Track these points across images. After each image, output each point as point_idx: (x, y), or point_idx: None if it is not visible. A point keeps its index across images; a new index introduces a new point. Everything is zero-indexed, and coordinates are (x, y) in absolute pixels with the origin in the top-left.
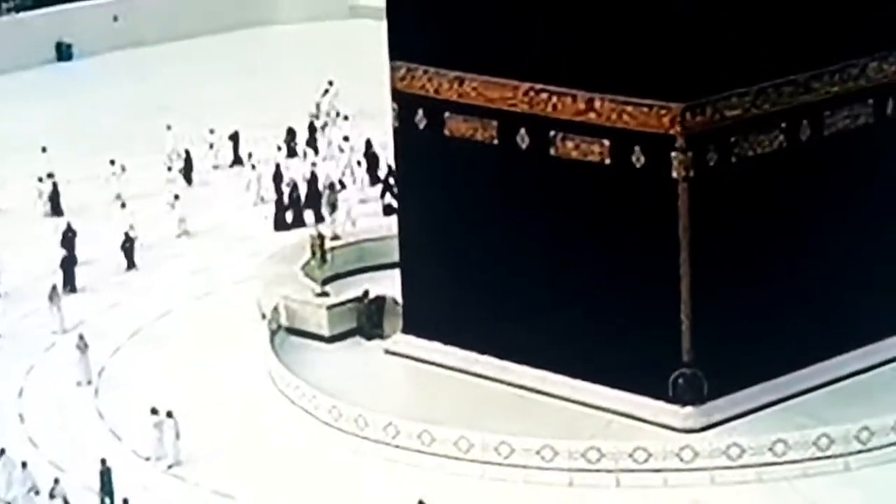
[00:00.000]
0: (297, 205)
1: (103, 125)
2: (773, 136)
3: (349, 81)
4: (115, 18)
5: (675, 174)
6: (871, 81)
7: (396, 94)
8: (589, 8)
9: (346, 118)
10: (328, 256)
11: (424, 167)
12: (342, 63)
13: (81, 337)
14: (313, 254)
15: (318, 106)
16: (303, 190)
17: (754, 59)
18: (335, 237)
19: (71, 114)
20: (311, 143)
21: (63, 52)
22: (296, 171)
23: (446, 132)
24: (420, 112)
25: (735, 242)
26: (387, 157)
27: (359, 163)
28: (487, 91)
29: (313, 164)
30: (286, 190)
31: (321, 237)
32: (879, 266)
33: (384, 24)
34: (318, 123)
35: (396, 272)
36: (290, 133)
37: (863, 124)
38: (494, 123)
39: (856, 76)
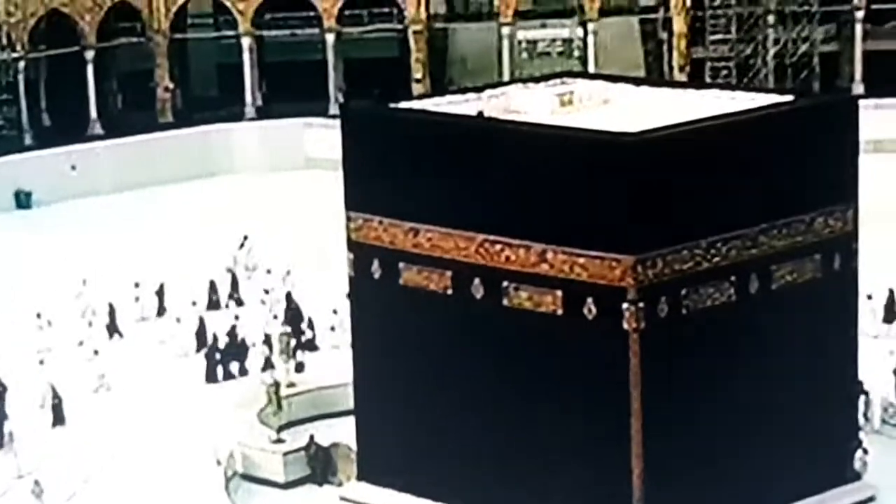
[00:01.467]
0: (225, 357)
1: (44, 276)
2: (722, 288)
3: (302, 231)
4: (73, 167)
5: (626, 326)
6: (817, 236)
7: (352, 244)
8: (541, 162)
9: (268, 272)
10: (284, 403)
11: (379, 316)
12: (295, 213)
13: (37, 482)
14: (269, 400)
15: (234, 259)
16: (224, 342)
17: (704, 212)
18: (291, 384)
19: (16, 262)
20: (234, 295)
21: (21, 201)
22: (219, 323)
23: (401, 282)
24: (375, 262)
25: (686, 393)
26: (309, 312)
27: (275, 316)
28: (442, 242)
29: (236, 318)
30: (212, 342)
31: (276, 384)
32: (826, 417)
33: (340, 175)
34: (241, 275)
35: (352, 419)
36: (212, 286)
37: (810, 278)
38: (449, 274)
39: (803, 231)
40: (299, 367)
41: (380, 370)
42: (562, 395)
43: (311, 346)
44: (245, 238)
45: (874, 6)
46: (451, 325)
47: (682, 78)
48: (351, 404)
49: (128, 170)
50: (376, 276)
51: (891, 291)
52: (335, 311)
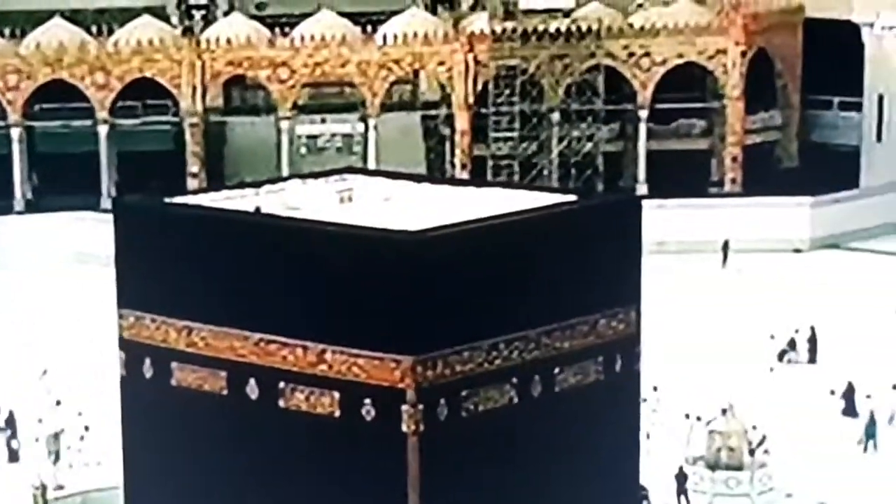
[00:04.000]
0: None
1: None
2: (504, 391)
3: (71, 329)
4: None
5: (404, 428)
6: (600, 338)
7: (124, 343)
8: (319, 259)
9: None
10: None
11: (151, 418)
12: (64, 311)
13: None
14: None
15: None
16: None
17: (486, 313)
18: (59, 487)
19: None
20: None
21: None
22: None
23: (173, 382)
24: (147, 361)
25: (466, 497)
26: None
27: None
28: (216, 341)
29: None
30: None
31: (43, 487)
32: None
33: (112, 271)
34: None
35: None
36: None
37: (593, 381)
38: (223, 374)
39: (586, 332)
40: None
41: (151, 473)
42: (339, 499)
43: (14, 456)
44: None
45: (658, 106)
46: (226, 426)
47: (465, 175)
48: None
49: None
50: (148, 375)
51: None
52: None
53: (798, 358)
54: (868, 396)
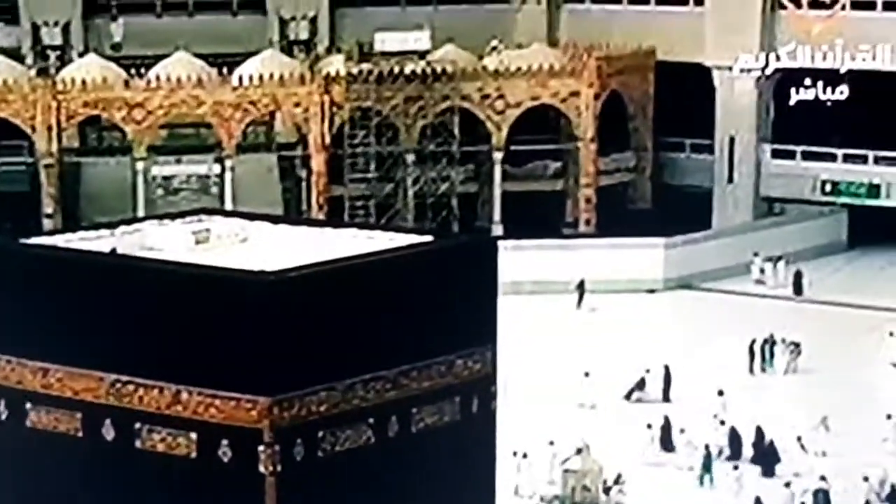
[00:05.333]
0: None
1: None
2: (360, 431)
3: None
4: None
5: (261, 469)
6: (457, 378)
7: None
8: (175, 300)
9: None
10: None
11: (5, 460)
12: None
13: None
14: None
15: None
16: None
17: (343, 353)
18: None
19: None
20: None
21: None
22: None
23: (28, 423)
24: (2, 403)
25: None
26: None
27: None
28: (72, 382)
29: None
30: None
31: None
32: None
33: None
34: None
35: None
36: None
37: (450, 421)
38: (78, 415)
39: (443, 373)
40: None
41: None
42: None
43: None
44: None
45: (513, 147)
46: (82, 468)
47: (321, 216)
48: None
49: None
50: (2, 417)
51: None
52: None
53: (647, 397)
54: (682, 431)
